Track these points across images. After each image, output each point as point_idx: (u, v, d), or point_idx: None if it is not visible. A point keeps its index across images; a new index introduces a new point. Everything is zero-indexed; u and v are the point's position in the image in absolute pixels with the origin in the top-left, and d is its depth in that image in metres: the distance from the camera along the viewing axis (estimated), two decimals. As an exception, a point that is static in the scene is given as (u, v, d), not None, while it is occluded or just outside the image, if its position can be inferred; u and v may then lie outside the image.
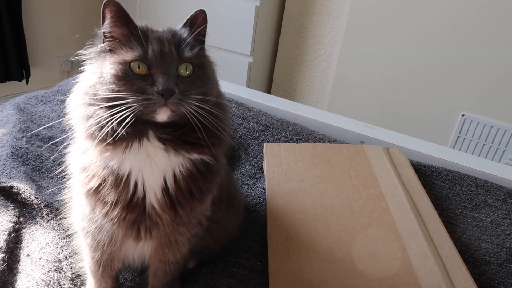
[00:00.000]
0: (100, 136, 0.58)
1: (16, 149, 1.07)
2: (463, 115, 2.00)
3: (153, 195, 0.65)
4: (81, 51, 0.64)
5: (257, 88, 2.45)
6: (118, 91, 0.58)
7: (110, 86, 0.58)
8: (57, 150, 1.05)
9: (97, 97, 0.59)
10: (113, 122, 0.57)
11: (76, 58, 0.64)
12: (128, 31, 0.62)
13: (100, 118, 0.58)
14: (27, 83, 2.51)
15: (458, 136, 2.05)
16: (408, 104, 2.11)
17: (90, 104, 0.60)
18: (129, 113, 0.57)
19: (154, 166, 0.63)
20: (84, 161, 0.65)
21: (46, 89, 1.50)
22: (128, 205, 0.64)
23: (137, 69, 0.59)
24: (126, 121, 0.57)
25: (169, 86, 0.57)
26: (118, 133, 0.58)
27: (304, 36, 2.37)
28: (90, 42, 0.64)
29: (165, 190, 0.65)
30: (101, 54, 0.62)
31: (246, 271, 0.85)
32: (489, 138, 2.00)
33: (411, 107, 2.10)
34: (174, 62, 0.61)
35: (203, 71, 0.64)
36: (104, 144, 0.59)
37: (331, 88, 2.32)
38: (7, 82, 2.44)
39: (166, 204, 0.65)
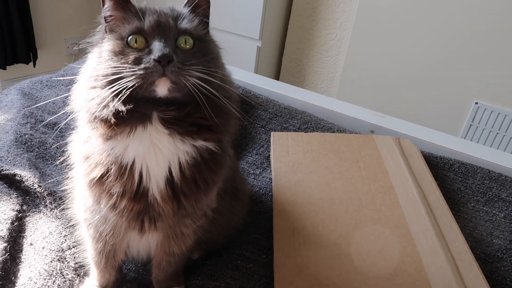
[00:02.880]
0: (102, 115, 0.57)
1: (20, 135, 1.06)
2: (476, 103, 1.95)
3: (156, 186, 0.63)
4: (85, 40, 0.63)
5: (266, 73, 2.40)
6: (115, 66, 0.56)
7: (108, 63, 0.57)
8: (61, 136, 1.04)
9: (98, 77, 0.58)
10: (113, 100, 0.55)
11: (81, 47, 0.63)
12: (127, 11, 0.60)
13: (102, 98, 0.56)
14: (34, 66, 2.49)
15: (471, 125, 2.00)
16: (420, 91, 2.06)
17: (92, 87, 0.58)
18: (127, 85, 0.54)
19: (159, 154, 0.61)
20: (87, 149, 0.63)
21: (53, 72, 1.48)
22: (135, 196, 0.63)
23: (135, 43, 0.57)
24: (124, 93, 0.55)
25: (165, 52, 0.54)
26: (120, 112, 0.56)
27: (314, 20, 2.31)
28: (94, 30, 0.63)
29: (169, 180, 0.63)
30: (101, 37, 0.61)
31: (251, 264, 0.84)
32: (502, 127, 1.95)
33: (424, 94, 2.05)
34: (171, 32, 0.59)
35: (204, 45, 0.62)
36: (107, 125, 0.57)
37: (341, 74, 2.26)
38: (14, 65, 2.43)
39: (168, 195, 0.63)
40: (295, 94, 1.46)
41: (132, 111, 0.57)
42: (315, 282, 0.77)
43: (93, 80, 0.58)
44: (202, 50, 0.61)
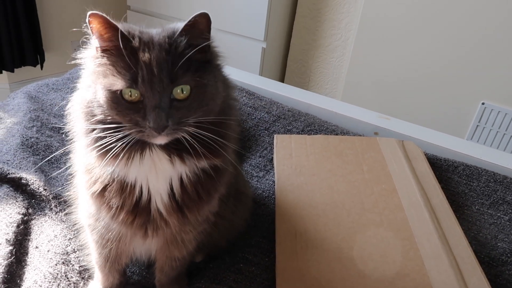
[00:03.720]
0: (99, 152, 0.58)
1: (26, 139, 1.07)
2: (483, 103, 1.93)
3: (160, 200, 0.64)
4: (75, 54, 0.61)
5: (271, 74, 2.40)
6: (112, 118, 0.57)
7: (105, 111, 0.57)
8: (67, 140, 1.05)
9: (93, 117, 0.58)
10: (111, 141, 0.56)
11: (73, 62, 0.62)
12: (117, 45, 0.55)
13: (98, 136, 0.57)
14: (41, 68, 2.52)
15: (477, 125, 1.99)
16: (426, 92, 2.04)
17: (88, 121, 0.59)
18: (125, 137, 0.56)
19: (160, 173, 0.62)
20: (88, 162, 0.63)
21: (60, 75, 1.50)
22: (134, 209, 0.64)
23: (129, 96, 0.55)
24: (124, 141, 0.57)
25: (160, 123, 0.54)
26: (117, 152, 0.57)
27: (319, 20, 2.30)
28: (85, 40, 0.60)
29: (171, 194, 0.64)
30: (96, 67, 0.58)
31: (254, 267, 0.84)
32: (510, 127, 1.93)
33: (430, 95, 2.04)
34: (167, 89, 0.55)
35: (202, 90, 0.58)
36: (105, 158, 0.58)
37: (346, 75, 2.26)
38: (22, 67, 2.46)
39: (173, 208, 0.64)
40: (299, 96, 1.45)
41: (131, 148, 0.58)
42: (317, 286, 0.77)
43: (88, 114, 0.58)
44: (199, 96, 0.57)
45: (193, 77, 0.56)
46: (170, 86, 0.55)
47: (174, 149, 0.60)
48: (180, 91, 0.56)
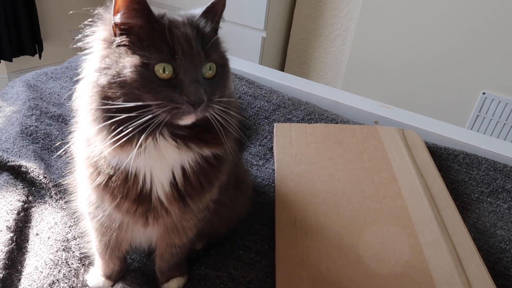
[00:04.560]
0: (116, 141, 0.54)
1: (26, 127, 1.07)
2: (483, 93, 1.92)
3: (161, 189, 0.64)
4: (80, 36, 0.58)
5: (271, 64, 2.39)
6: (143, 99, 0.52)
7: (131, 92, 0.52)
8: (66, 128, 1.05)
9: (113, 101, 0.53)
10: (130, 128, 0.53)
11: (78, 45, 0.58)
12: (149, 24, 0.54)
13: (116, 125, 0.53)
14: (40, 58, 2.50)
15: (478, 115, 1.98)
16: (427, 82, 2.04)
17: (104, 110, 0.54)
18: (154, 120, 0.53)
19: (164, 161, 0.61)
20: (90, 153, 0.61)
21: (59, 64, 1.49)
22: (138, 198, 0.63)
23: (162, 73, 0.53)
24: (150, 128, 0.54)
25: (201, 97, 0.54)
26: (136, 138, 0.55)
27: (319, 9, 2.28)
28: (89, 23, 0.58)
29: (173, 183, 0.64)
30: (113, 47, 0.55)
31: (253, 254, 0.84)
32: (510, 117, 1.93)
33: (430, 85, 2.03)
34: (201, 64, 0.56)
35: (225, 71, 0.61)
36: (117, 147, 0.55)
37: (346, 64, 2.25)
38: (20, 57, 2.44)
39: (174, 197, 0.64)
40: (299, 85, 1.45)
41: (148, 134, 0.55)
42: (317, 272, 0.77)
43: (104, 99, 0.53)
44: (223, 77, 0.60)
45: (219, 56, 0.59)
46: (205, 61, 0.56)
47: (183, 138, 0.60)
48: (208, 69, 0.57)
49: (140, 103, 0.52)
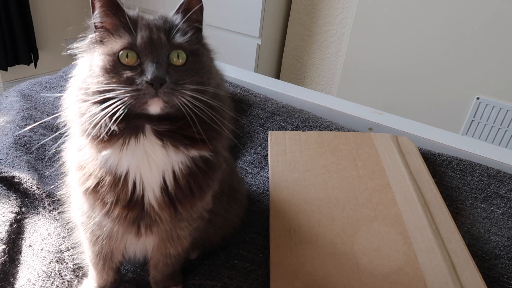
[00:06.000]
0: (94, 133, 0.57)
1: (19, 138, 1.07)
2: (478, 98, 1.93)
3: (152, 194, 0.63)
4: (73, 44, 0.62)
5: (266, 71, 2.40)
6: (108, 83, 0.55)
7: (99, 79, 0.56)
8: (60, 139, 1.05)
9: (88, 91, 0.57)
10: (105, 118, 0.55)
11: (69, 52, 0.62)
12: (118, 20, 0.59)
13: (93, 114, 0.56)
14: (35, 67, 2.51)
15: (472, 120, 1.99)
16: (421, 87, 2.05)
17: (83, 100, 0.57)
18: (120, 106, 0.54)
19: (153, 164, 0.61)
20: (80, 158, 0.63)
21: (54, 73, 1.49)
22: (129, 204, 0.63)
23: (126, 58, 0.56)
24: (117, 114, 0.55)
25: (158, 75, 0.54)
26: (112, 129, 0.56)
27: (314, 16, 2.30)
28: (82, 35, 0.62)
29: (164, 188, 0.64)
30: (91, 46, 0.60)
31: (248, 263, 0.84)
32: (504, 122, 1.94)
33: (425, 90, 2.04)
34: (164, 49, 0.57)
35: (198, 59, 0.60)
36: (99, 141, 0.57)
37: (341, 71, 2.26)
38: (15, 66, 2.44)
39: (165, 202, 0.64)
40: (293, 92, 1.45)
41: (125, 126, 0.57)
42: (311, 281, 0.77)
43: (83, 93, 0.58)
44: (195, 65, 0.60)
45: (189, 44, 0.60)
46: (168, 46, 0.58)
47: (168, 136, 0.60)
48: (177, 57, 0.58)
49: (106, 87, 0.55)
